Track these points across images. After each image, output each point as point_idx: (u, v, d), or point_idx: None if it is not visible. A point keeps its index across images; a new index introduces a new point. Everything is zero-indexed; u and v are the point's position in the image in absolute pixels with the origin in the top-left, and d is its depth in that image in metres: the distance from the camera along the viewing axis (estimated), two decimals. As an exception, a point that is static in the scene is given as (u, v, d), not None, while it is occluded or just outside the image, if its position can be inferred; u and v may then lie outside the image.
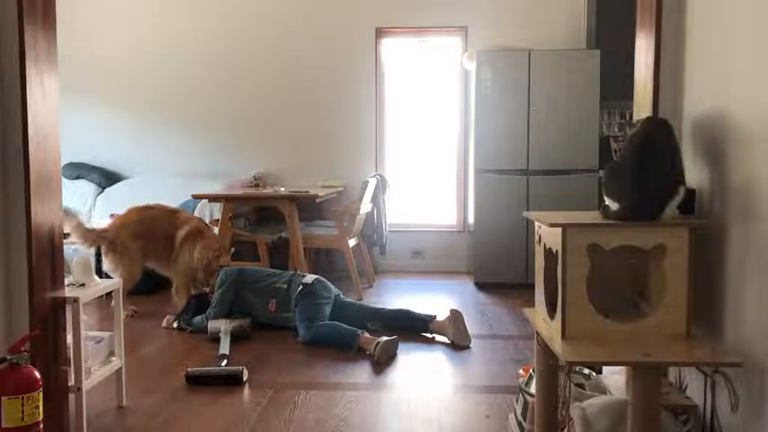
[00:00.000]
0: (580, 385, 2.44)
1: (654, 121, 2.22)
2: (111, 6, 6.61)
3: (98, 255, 5.13)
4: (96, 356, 2.89)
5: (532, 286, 2.41)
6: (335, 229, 5.41)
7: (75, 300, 2.65)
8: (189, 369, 3.42)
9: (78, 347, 2.67)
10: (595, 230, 2.03)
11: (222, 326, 4.03)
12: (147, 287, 5.24)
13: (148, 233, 4.81)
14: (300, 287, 4.24)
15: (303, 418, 2.95)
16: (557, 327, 2.05)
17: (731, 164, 2.08)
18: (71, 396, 2.68)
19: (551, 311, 2.14)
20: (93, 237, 4.67)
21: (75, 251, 4.60)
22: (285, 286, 4.31)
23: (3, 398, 2.19)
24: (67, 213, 4.53)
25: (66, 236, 3.92)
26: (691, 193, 2.19)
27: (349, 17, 6.41)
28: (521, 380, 2.74)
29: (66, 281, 2.76)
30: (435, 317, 4.24)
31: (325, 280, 4.41)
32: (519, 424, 2.62)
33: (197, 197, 5.53)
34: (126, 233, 4.75)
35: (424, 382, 3.41)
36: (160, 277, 5.49)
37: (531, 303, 2.45)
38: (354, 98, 6.45)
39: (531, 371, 2.61)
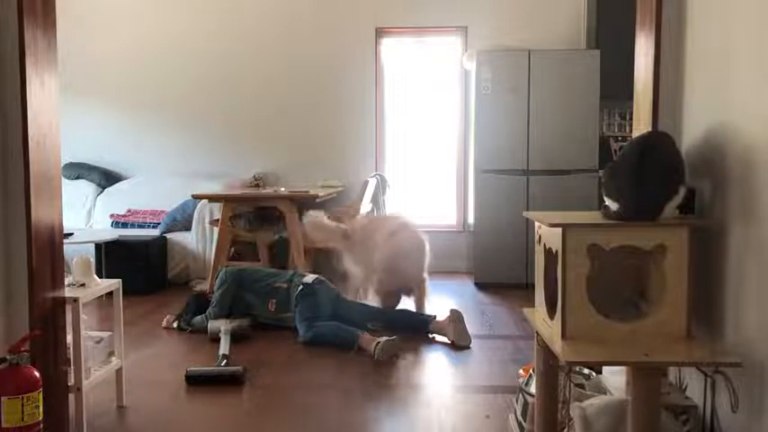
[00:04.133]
0: (580, 385, 2.44)
1: (654, 131, 2.24)
2: (111, 6, 6.60)
3: (98, 256, 5.12)
4: (96, 356, 2.88)
5: (532, 286, 2.41)
6: (335, 229, 5.39)
7: (75, 300, 2.65)
8: (189, 369, 3.42)
9: (78, 347, 2.67)
10: (595, 230, 2.03)
11: (222, 326, 4.02)
12: (146, 287, 5.25)
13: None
14: (300, 287, 4.24)
15: (303, 418, 2.95)
16: (557, 327, 2.05)
17: (731, 164, 2.08)
18: (71, 396, 2.68)
19: (551, 311, 2.14)
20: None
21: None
22: (285, 286, 4.31)
23: (3, 398, 2.19)
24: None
25: (66, 236, 3.92)
26: (691, 192, 2.19)
27: (349, 17, 6.41)
28: (521, 380, 2.75)
29: (67, 281, 2.76)
30: (435, 317, 4.23)
31: (325, 280, 4.41)
32: (519, 424, 2.62)
33: (197, 197, 5.53)
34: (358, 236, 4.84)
35: (424, 382, 3.41)
36: (159, 277, 5.48)
37: (531, 303, 2.45)
38: (354, 98, 6.45)
39: (531, 371, 2.62)
